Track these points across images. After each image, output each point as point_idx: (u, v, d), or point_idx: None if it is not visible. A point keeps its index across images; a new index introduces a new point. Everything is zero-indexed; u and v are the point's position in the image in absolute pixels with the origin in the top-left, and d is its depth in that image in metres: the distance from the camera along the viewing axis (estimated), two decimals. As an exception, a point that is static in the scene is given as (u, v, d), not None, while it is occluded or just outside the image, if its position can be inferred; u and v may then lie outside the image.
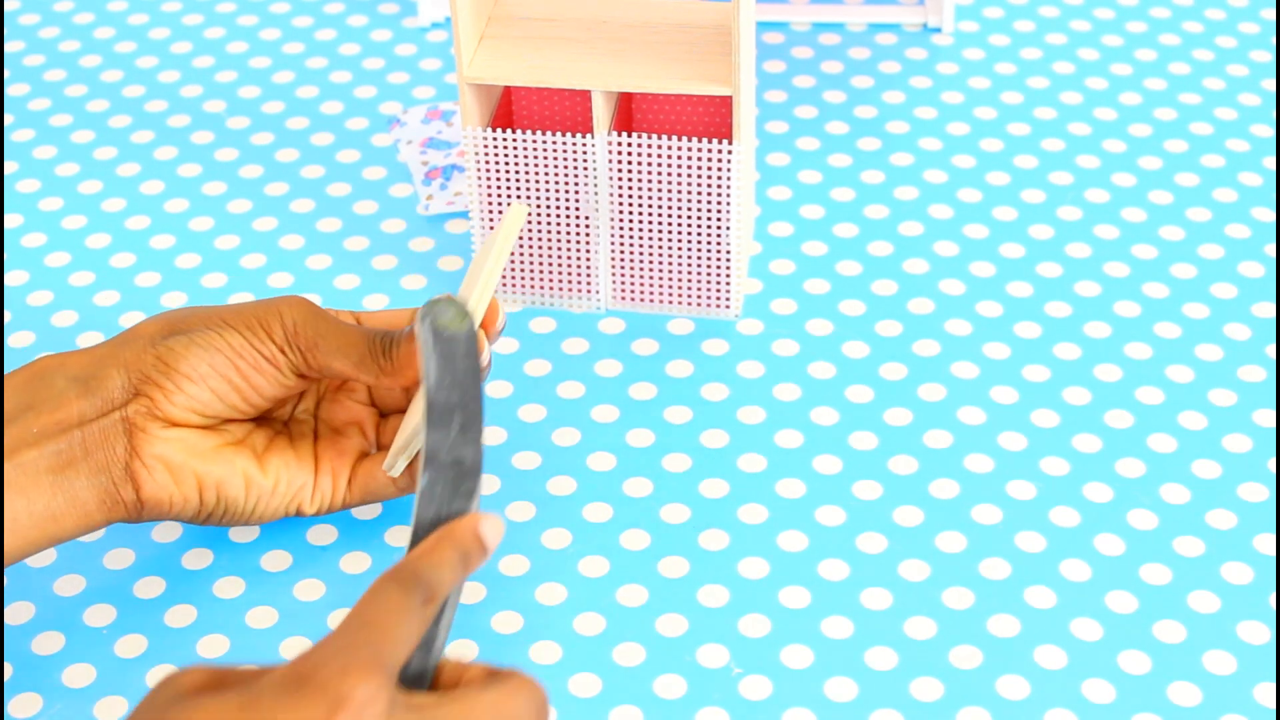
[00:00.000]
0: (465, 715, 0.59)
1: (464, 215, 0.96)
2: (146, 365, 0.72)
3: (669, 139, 0.84)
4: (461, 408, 0.64)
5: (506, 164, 0.86)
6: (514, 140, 0.85)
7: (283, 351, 0.73)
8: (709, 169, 0.84)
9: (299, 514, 0.76)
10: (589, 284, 0.89)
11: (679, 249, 0.87)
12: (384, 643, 0.58)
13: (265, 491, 0.75)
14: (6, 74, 1.07)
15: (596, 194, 0.86)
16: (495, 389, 0.85)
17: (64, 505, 0.71)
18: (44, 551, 0.78)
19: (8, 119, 1.03)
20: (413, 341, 0.73)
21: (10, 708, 0.71)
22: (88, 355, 0.73)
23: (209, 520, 0.75)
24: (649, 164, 0.85)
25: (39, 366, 0.73)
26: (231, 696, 0.56)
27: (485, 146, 0.85)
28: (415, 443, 0.74)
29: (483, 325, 0.75)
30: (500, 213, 0.87)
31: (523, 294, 0.90)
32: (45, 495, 0.71)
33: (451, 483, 0.63)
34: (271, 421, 0.77)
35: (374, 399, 0.78)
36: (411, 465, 0.75)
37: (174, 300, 0.90)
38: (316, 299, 0.90)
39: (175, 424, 0.73)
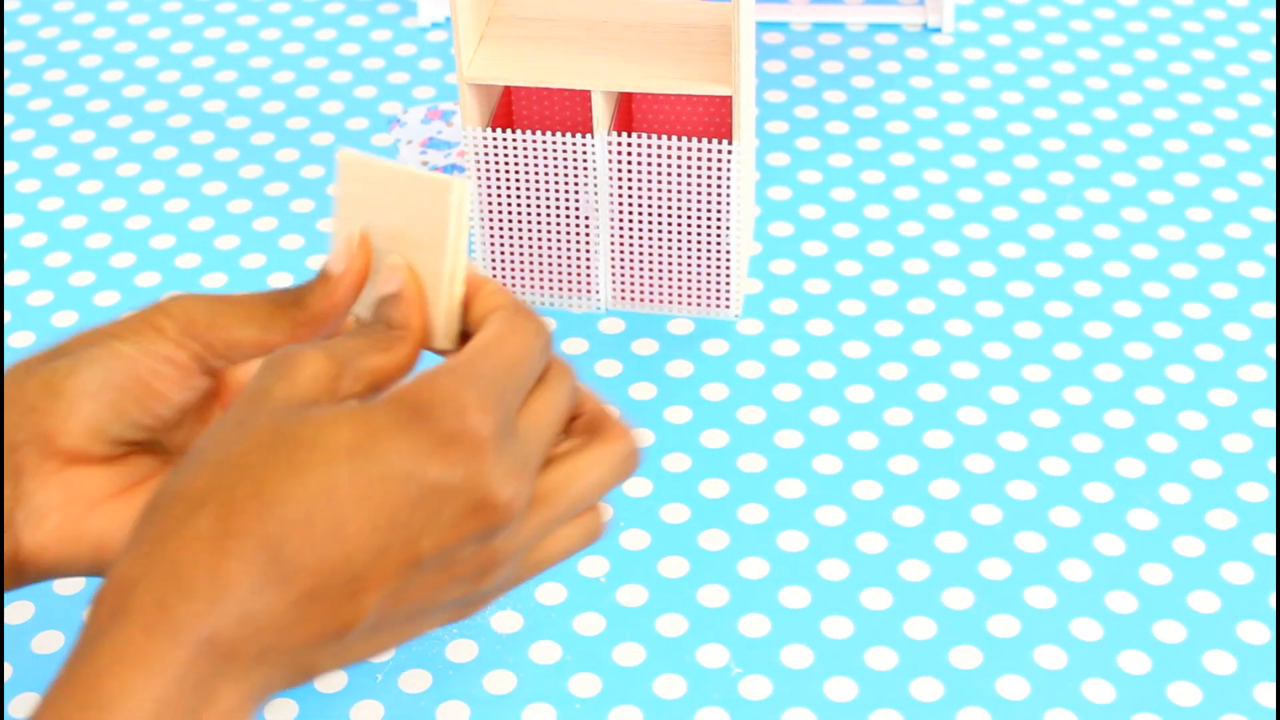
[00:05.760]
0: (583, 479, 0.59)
1: (464, 215, 0.96)
2: (31, 394, 0.60)
3: (669, 139, 0.84)
4: None
5: (506, 164, 0.86)
6: (514, 140, 0.85)
7: (180, 345, 0.62)
8: (709, 169, 0.84)
9: None
10: (589, 284, 0.89)
11: (679, 249, 0.87)
12: (509, 378, 0.57)
13: None
14: (6, 74, 1.07)
15: (596, 194, 0.86)
16: (495, 389, 0.85)
17: None
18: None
19: (8, 119, 1.03)
20: (327, 281, 0.62)
21: (10, 708, 0.71)
22: None
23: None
24: (649, 164, 0.85)
25: None
26: (343, 417, 0.55)
27: (485, 146, 0.85)
28: None
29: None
30: (501, 213, 0.87)
31: (523, 294, 0.90)
32: None
33: None
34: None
35: None
36: None
37: (174, 300, 0.90)
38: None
39: (73, 459, 0.61)
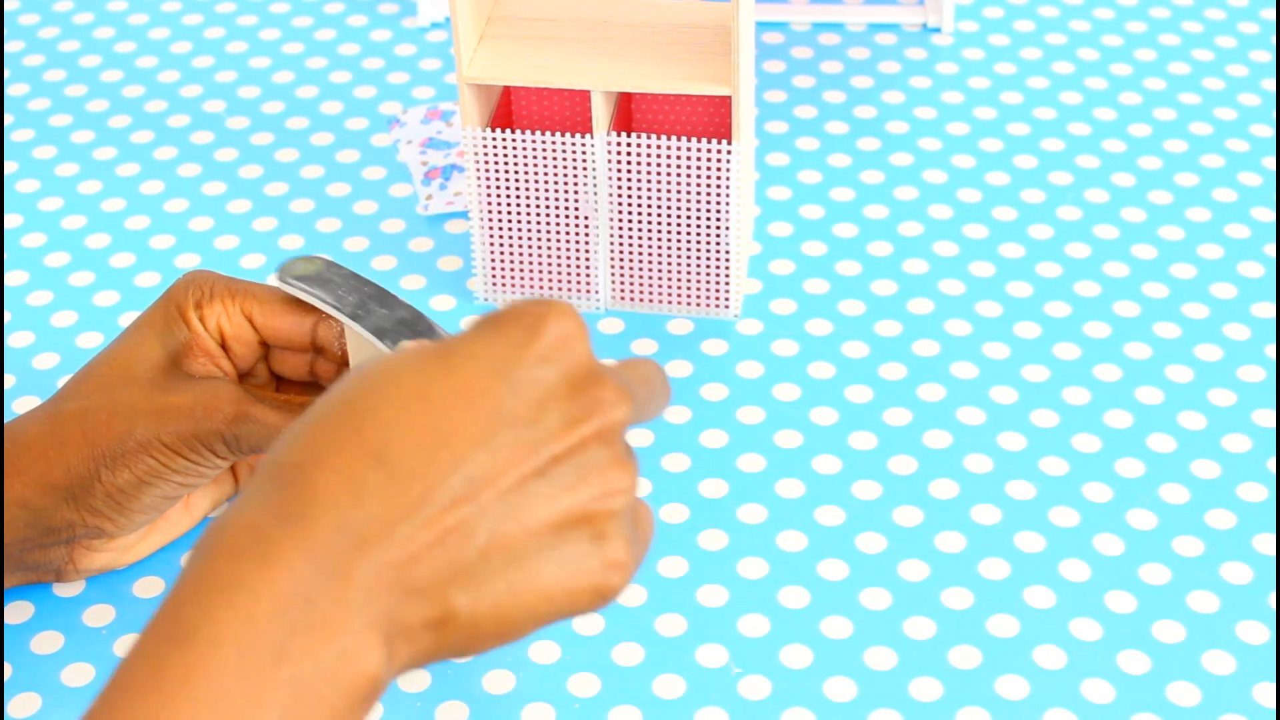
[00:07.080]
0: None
1: (464, 215, 0.96)
2: (97, 501, 0.71)
3: (669, 139, 0.84)
4: (365, 295, 0.70)
5: (506, 164, 0.86)
6: (514, 140, 0.85)
7: (225, 459, 0.73)
8: (709, 169, 0.84)
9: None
10: (589, 284, 0.89)
11: (678, 249, 0.87)
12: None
13: (187, 521, 0.78)
14: (6, 74, 1.07)
15: (596, 194, 0.86)
16: (495, 389, 0.85)
17: None
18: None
19: (8, 119, 1.03)
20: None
21: (10, 708, 0.71)
22: (41, 478, 0.71)
23: None
24: (649, 164, 0.85)
25: None
26: (423, 345, 0.54)
27: (485, 146, 0.85)
28: None
29: None
30: (501, 213, 0.87)
31: (522, 294, 0.90)
32: None
33: (413, 336, 0.69)
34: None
35: None
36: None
37: (174, 300, 0.90)
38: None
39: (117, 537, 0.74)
